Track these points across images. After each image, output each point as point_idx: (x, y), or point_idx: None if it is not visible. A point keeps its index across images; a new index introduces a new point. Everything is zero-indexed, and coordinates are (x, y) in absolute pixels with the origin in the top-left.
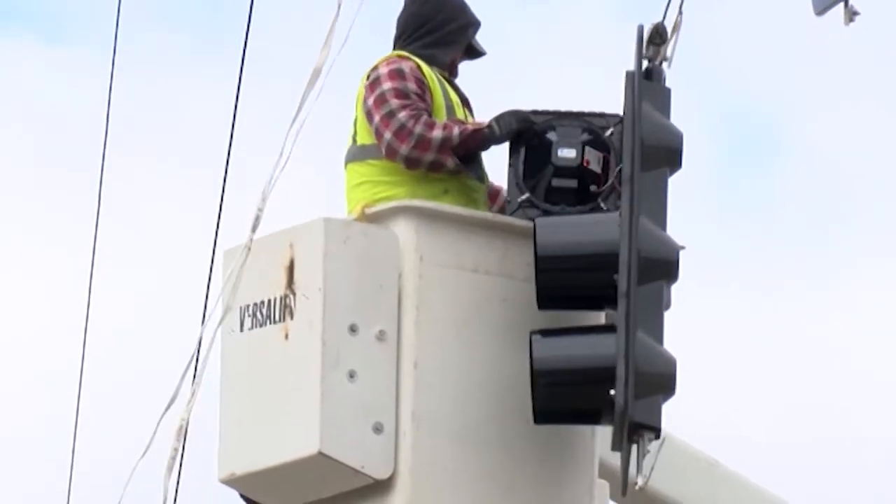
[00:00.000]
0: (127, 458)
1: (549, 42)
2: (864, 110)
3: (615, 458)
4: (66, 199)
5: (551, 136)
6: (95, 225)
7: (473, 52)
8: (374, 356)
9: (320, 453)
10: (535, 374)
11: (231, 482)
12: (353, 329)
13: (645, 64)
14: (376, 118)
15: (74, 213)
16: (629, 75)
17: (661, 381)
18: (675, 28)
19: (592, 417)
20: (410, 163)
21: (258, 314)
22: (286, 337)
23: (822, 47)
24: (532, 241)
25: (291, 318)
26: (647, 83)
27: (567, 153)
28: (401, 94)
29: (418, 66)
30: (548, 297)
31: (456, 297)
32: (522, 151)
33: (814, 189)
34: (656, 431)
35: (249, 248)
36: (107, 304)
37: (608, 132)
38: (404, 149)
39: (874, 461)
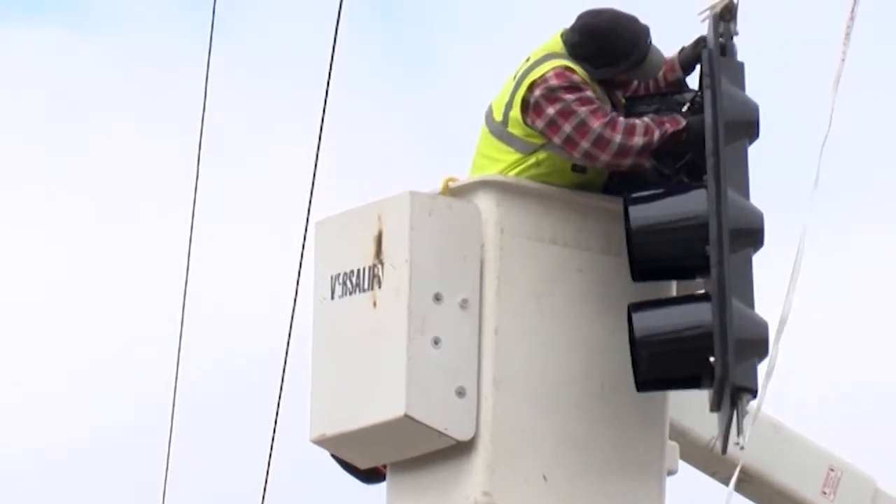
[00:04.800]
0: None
1: None
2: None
3: (685, 420)
4: (169, 162)
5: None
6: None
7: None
8: (457, 323)
9: (406, 416)
10: (636, 345)
11: (322, 442)
12: (437, 298)
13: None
14: (566, 128)
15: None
16: (706, 53)
17: (755, 345)
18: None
19: (693, 383)
20: (611, 167)
21: (348, 283)
22: (374, 305)
23: None
24: (622, 217)
25: (380, 286)
26: (723, 59)
27: None
28: (586, 100)
29: (585, 81)
30: (642, 269)
31: (535, 268)
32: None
33: None
34: (754, 392)
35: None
36: (203, 273)
37: (684, 108)
38: (604, 157)
39: None
